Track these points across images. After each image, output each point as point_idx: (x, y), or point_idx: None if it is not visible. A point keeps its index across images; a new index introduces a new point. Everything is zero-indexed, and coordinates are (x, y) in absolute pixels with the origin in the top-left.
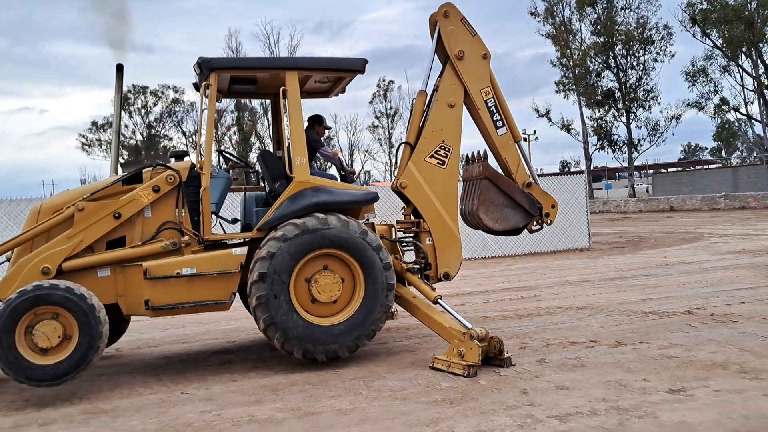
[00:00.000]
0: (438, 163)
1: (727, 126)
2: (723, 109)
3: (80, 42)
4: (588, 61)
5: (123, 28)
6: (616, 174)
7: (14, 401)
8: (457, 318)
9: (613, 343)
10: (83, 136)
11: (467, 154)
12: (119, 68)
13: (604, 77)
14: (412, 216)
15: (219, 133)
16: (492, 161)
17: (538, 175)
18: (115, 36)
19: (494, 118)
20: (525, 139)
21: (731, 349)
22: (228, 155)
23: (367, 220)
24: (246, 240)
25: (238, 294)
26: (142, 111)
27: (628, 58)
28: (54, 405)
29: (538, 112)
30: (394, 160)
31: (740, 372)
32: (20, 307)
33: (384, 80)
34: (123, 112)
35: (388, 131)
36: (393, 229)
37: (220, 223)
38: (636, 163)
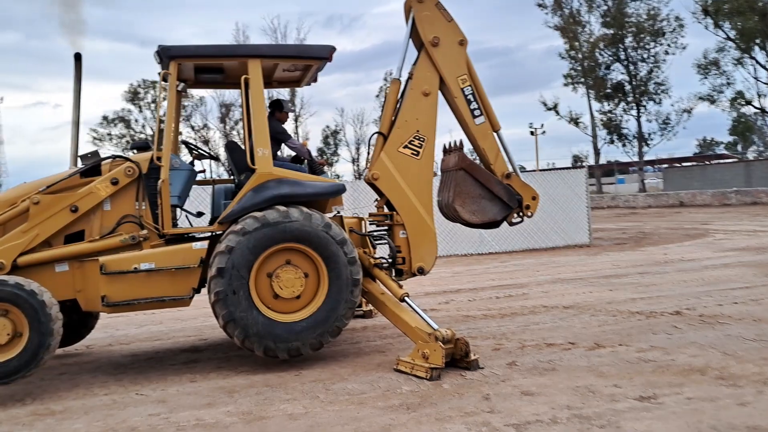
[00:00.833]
0: (412, 153)
1: (742, 120)
2: (739, 102)
3: (93, 37)
4: (597, 54)
5: (73, 13)
6: (630, 169)
7: None
8: (424, 318)
9: (591, 345)
10: (94, 131)
11: (444, 145)
12: (77, 57)
13: (613, 70)
14: (385, 208)
15: (226, 126)
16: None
17: (548, 169)
18: (69, 22)
19: (471, 107)
20: (532, 133)
21: (713, 353)
22: (192, 146)
23: (338, 213)
24: (212, 234)
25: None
26: (152, 105)
27: (639, 50)
28: (4, 405)
29: (545, 105)
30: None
31: (718, 378)
32: None
33: (391, 73)
34: (132, 106)
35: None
36: (363, 222)
37: (186, 216)
38: (648, 158)
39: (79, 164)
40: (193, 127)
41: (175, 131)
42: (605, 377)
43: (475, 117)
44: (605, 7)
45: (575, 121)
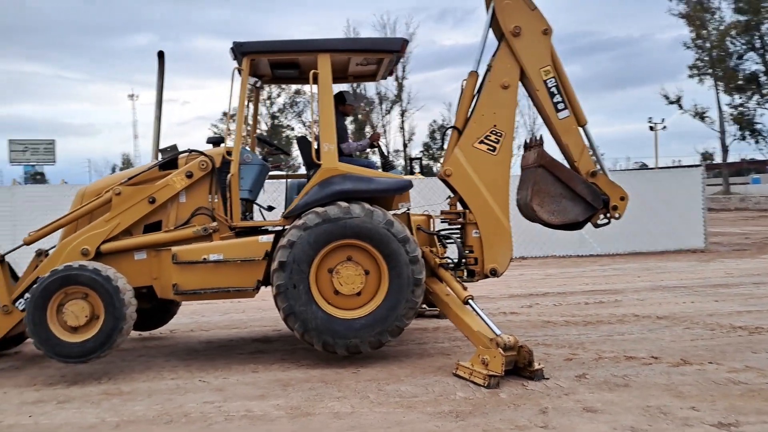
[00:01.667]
0: (488, 149)
1: None
2: None
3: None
4: (728, 42)
5: None
6: (766, 168)
7: (52, 377)
8: (487, 322)
9: (676, 361)
10: (215, 126)
11: (525, 140)
12: (160, 55)
13: (746, 60)
14: (459, 206)
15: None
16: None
17: (674, 167)
18: None
19: (554, 100)
20: (651, 128)
21: None
22: (266, 141)
23: (406, 209)
24: (283, 228)
25: None
26: (267, 102)
27: None
28: (82, 383)
29: (667, 98)
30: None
31: None
32: (51, 286)
33: None
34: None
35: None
36: (432, 220)
37: (260, 210)
38: None
39: (160, 158)
40: (304, 123)
41: (252, 126)
42: (683, 398)
43: (558, 111)
44: None
45: (701, 115)
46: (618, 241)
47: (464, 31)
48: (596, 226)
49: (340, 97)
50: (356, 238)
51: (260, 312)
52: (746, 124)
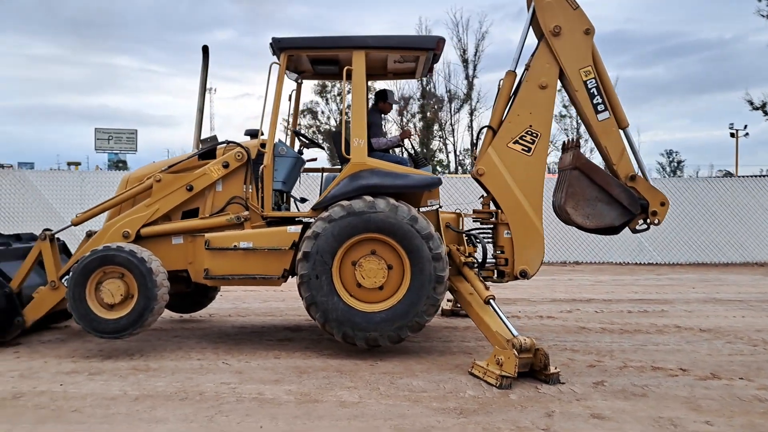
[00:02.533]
0: (523, 149)
1: None
2: None
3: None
4: None
5: None
6: None
7: (90, 350)
8: (505, 323)
9: (705, 374)
10: (286, 120)
11: (564, 141)
12: (205, 50)
13: None
14: (492, 206)
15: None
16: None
17: (760, 175)
18: None
19: (594, 101)
20: (732, 135)
21: None
22: (302, 135)
23: (436, 207)
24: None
25: None
26: (338, 98)
27: None
28: (116, 358)
29: (751, 104)
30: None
31: None
32: (90, 265)
33: None
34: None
35: (576, 121)
36: (461, 218)
37: (294, 201)
38: None
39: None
40: None
41: (293, 121)
42: (700, 411)
43: (597, 112)
44: None
45: None
46: (679, 250)
47: None
48: (634, 231)
49: (382, 95)
50: (380, 232)
51: (298, 301)
52: None
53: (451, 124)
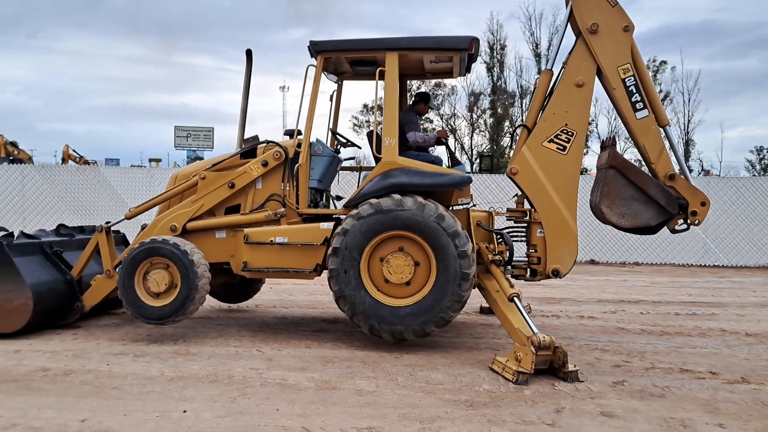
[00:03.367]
0: (558, 148)
1: None
2: None
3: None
4: None
5: None
6: None
7: (140, 335)
8: (527, 320)
9: (735, 378)
10: (355, 118)
11: (602, 140)
12: (248, 53)
13: None
14: (526, 205)
15: (473, 115)
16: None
17: None
18: None
19: (633, 99)
20: None
21: None
22: (339, 135)
23: (469, 205)
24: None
25: None
26: (407, 95)
27: None
28: (160, 343)
29: None
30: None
31: None
32: (138, 256)
33: (654, 60)
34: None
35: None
36: (492, 216)
37: (331, 199)
38: None
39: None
40: (441, 116)
41: (333, 120)
42: (715, 414)
43: (636, 110)
44: None
45: None
46: (749, 253)
47: None
48: (673, 231)
49: (424, 96)
50: (407, 229)
51: None
52: None
53: (522, 121)
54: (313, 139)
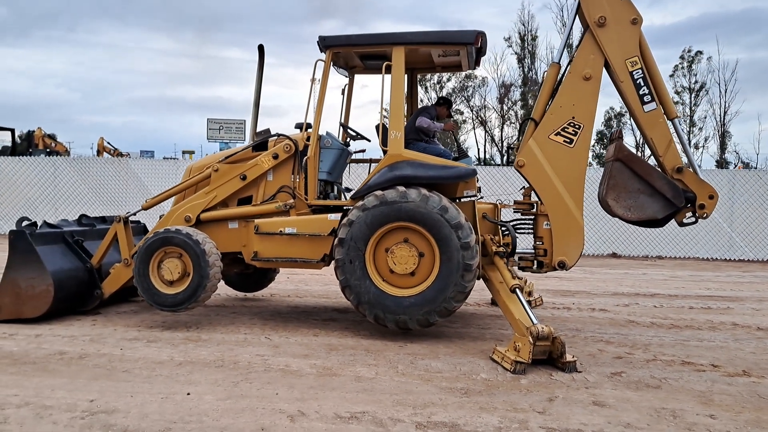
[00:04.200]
0: (564, 141)
1: None
2: None
3: (400, 22)
4: None
5: None
6: None
7: (155, 321)
8: (527, 311)
9: (736, 371)
10: (386, 110)
11: (611, 133)
12: (260, 49)
13: None
14: (533, 197)
15: (504, 107)
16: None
17: None
18: None
19: (641, 92)
20: None
21: None
22: (348, 129)
23: (475, 198)
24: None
25: None
26: (437, 86)
27: None
28: (174, 329)
29: None
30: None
31: None
32: (153, 245)
33: (690, 51)
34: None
35: (690, 108)
36: (497, 208)
37: (341, 190)
38: None
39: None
40: (471, 108)
41: (345, 114)
42: (708, 405)
43: (644, 103)
44: None
45: None
46: None
47: (662, 11)
48: (681, 224)
49: (446, 101)
50: (410, 221)
51: None
52: None
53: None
54: (323, 132)
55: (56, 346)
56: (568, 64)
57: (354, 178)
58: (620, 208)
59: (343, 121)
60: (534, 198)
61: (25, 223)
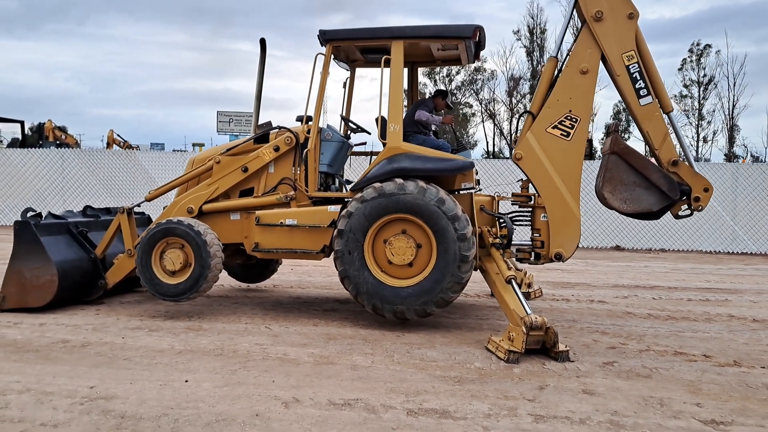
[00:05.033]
0: (562, 134)
1: None
2: None
3: (410, 15)
4: None
5: None
6: None
7: (158, 311)
8: (521, 302)
9: (728, 362)
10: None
11: (608, 127)
12: (262, 43)
13: None
14: (531, 189)
15: (513, 100)
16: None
17: None
18: None
19: (637, 86)
20: None
21: None
22: (349, 121)
23: (473, 190)
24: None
25: None
26: (446, 79)
27: None
28: (176, 319)
29: None
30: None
31: None
32: (155, 236)
33: (698, 44)
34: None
35: (699, 101)
36: (495, 201)
37: (342, 182)
38: None
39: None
40: (480, 101)
41: (346, 107)
42: (696, 394)
43: (640, 97)
44: None
45: None
46: None
47: (671, 3)
48: (677, 217)
49: (443, 93)
50: (408, 213)
51: None
52: None
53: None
54: (324, 125)
55: (59, 335)
56: (566, 58)
57: (355, 170)
58: (616, 200)
59: (344, 113)
60: (532, 190)
61: (29, 214)
